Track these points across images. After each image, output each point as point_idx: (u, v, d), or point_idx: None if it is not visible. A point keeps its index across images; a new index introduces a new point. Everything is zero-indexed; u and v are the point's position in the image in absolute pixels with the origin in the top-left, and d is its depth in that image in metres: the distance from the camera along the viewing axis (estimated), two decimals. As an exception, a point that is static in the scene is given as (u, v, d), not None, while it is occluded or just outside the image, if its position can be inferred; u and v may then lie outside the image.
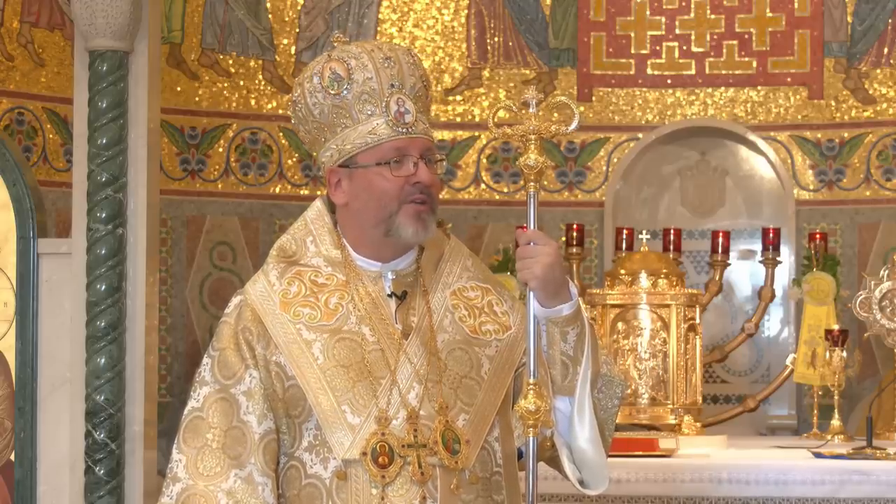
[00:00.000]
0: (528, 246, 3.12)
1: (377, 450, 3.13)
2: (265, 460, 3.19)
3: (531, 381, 3.08)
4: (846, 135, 9.30)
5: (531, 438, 3.10)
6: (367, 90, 3.23)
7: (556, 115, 3.17)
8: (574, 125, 3.15)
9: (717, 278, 7.67)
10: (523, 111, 3.15)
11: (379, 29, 9.43)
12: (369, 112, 3.22)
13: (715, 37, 9.48)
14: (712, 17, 9.49)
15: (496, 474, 3.21)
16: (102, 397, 5.49)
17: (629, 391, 6.77)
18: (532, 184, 3.12)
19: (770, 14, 9.43)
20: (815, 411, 7.36)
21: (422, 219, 3.21)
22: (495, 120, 3.19)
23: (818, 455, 6.31)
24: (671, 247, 7.67)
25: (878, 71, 9.29)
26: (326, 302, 3.24)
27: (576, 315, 3.16)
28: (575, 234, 7.99)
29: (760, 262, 7.92)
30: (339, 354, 3.20)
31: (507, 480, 3.23)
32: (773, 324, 9.25)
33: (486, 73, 9.48)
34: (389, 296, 3.26)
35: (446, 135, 9.37)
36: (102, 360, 5.50)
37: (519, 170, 3.17)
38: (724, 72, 9.46)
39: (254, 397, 3.22)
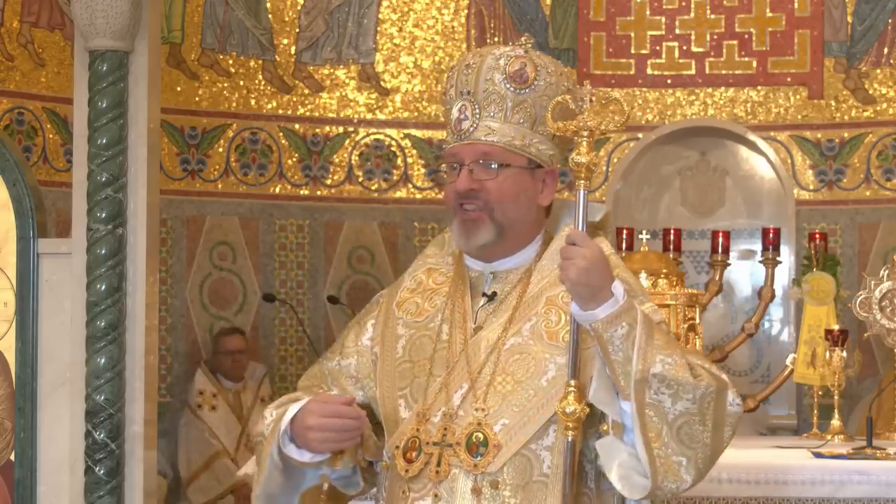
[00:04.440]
0: (569, 246, 3.05)
1: (408, 444, 3.18)
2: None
3: (571, 382, 3.04)
4: (846, 135, 9.30)
5: (568, 440, 3.06)
6: (448, 99, 3.32)
7: (611, 109, 3.13)
8: (619, 122, 3.13)
9: (717, 278, 7.66)
10: (581, 106, 3.12)
11: (379, 29, 9.43)
12: (447, 118, 3.31)
13: (715, 37, 9.48)
14: (712, 17, 9.49)
15: (538, 483, 3.13)
16: (102, 397, 5.48)
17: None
18: (582, 181, 3.08)
19: (770, 14, 9.43)
20: (815, 411, 7.35)
21: (465, 226, 3.23)
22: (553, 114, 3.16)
23: (818, 455, 6.30)
24: (671, 247, 7.66)
25: (878, 71, 9.29)
26: (431, 298, 3.33)
27: (619, 314, 3.04)
28: (575, 234, 7.96)
29: (760, 262, 7.91)
30: (414, 350, 3.28)
31: (556, 490, 3.11)
32: (773, 324, 9.25)
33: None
34: (483, 295, 3.29)
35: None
36: (102, 360, 5.49)
37: (569, 167, 3.12)
38: (724, 72, 9.46)
39: (336, 377, 3.37)
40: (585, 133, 3.09)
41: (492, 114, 3.24)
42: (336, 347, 3.44)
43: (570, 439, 3.05)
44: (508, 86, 3.24)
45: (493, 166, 3.22)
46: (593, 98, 3.13)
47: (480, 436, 3.12)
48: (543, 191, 3.30)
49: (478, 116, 3.24)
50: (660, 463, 3.07)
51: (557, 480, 3.12)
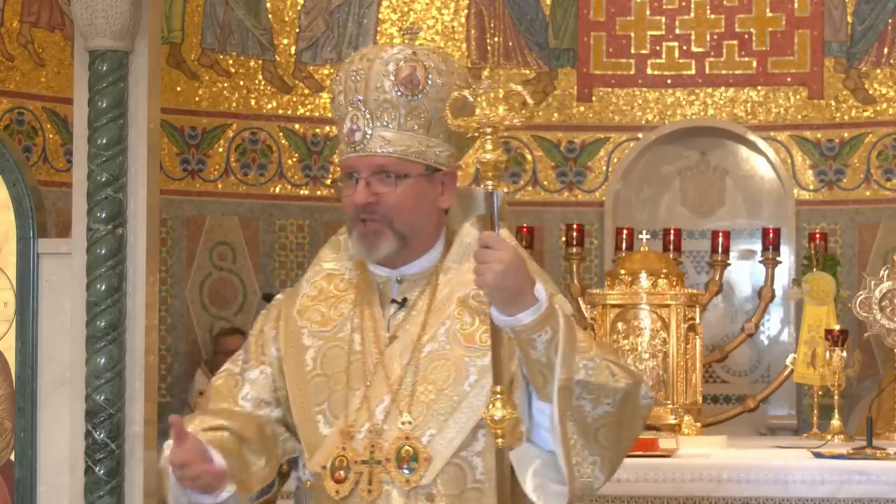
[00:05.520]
0: (483, 250, 2.89)
1: (335, 464, 3.09)
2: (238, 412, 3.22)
3: (497, 388, 2.91)
4: (846, 135, 9.30)
5: (498, 448, 2.95)
6: (337, 105, 3.22)
7: (525, 105, 2.94)
8: (525, 115, 2.93)
9: (717, 278, 7.66)
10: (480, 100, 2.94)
11: (379, 29, 9.43)
12: (340, 127, 3.22)
13: (715, 37, 9.48)
14: (712, 17, 9.49)
15: (473, 490, 3.08)
16: (102, 397, 5.48)
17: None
18: (490, 181, 2.90)
19: (770, 14, 9.43)
20: (815, 411, 7.36)
21: (366, 239, 3.14)
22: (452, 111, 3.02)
23: (818, 455, 6.30)
24: (671, 247, 7.66)
25: (878, 71, 9.29)
26: (336, 306, 3.23)
27: (543, 320, 2.93)
28: (575, 234, 7.98)
29: (760, 262, 7.92)
30: (326, 363, 3.18)
31: (493, 496, 3.04)
32: (773, 324, 9.25)
33: (486, 74, 9.48)
34: (392, 302, 3.21)
35: (446, 135, 9.38)
36: (102, 360, 5.48)
37: (476, 167, 3.04)
38: (724, 72, 9.46)
39: (255, 386, 3.24)
40: (489, 130, 2.90)
41: (385, 123, 3.13)
42: (238, 358, 3.32)
43: (500, 445, 2.94)
44: (399, 93, 3.13)
45: (390, 178, 3.13)
46: (492, 92, 2.93)
47: (410, 449, 3.05)
48: (443, 193, 3.20)
49: (370, 127, 3.13)
50: (577, 470, 3.02)
51: (492, 486, 3.04)
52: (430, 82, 3.15)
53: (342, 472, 3.08)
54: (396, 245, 3.15)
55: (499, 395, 2.91)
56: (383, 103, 3.14)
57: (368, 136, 3.14)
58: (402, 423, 3.07)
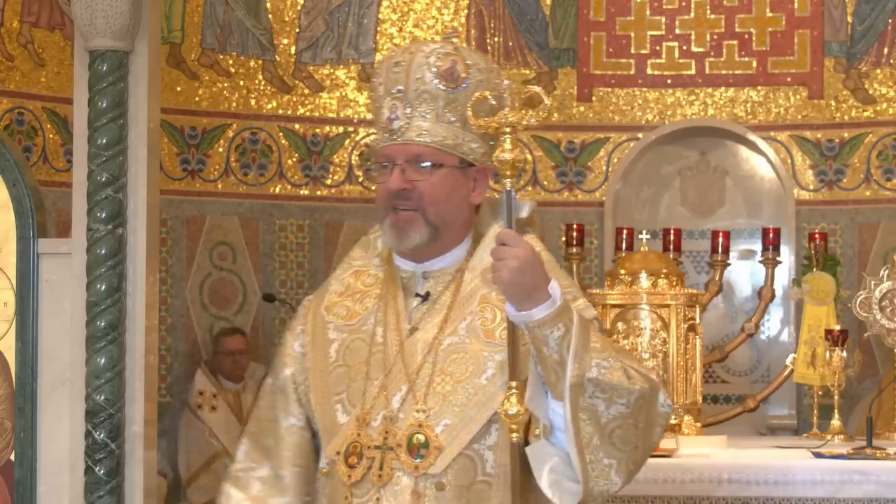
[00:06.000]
0: (500, 247, 2.96)
1: (349, 450, 3.15)
2: (287, 454, 3.32)
3: (512, 384, 2.97)
4: (846, 135, 9.30)
5: (514, 442, 3.00)
6: (376, 96, 3.27)
7: (542, 105, 3.03)
8: (541, 115, 3.02)
9: (717, 278, 7.66)
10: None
11: (379, 29, 9.43)
12: (378, 117, 3.26)
13: (715, 37, 9.48)
14: (712, 17, 9.49)
15: (481, 483, 3.11)
16: (102, 397, 5.48)
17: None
18: (508, 179, 3.01)
19: (770, 14, 9.43)
20: (815, 411, 7.36)
21: (398, 227, 3.19)
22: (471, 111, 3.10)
23: (818, 455, 6.30)
24: (671, 247, 7.66)
25: (878, 71, 9.29)
26: (361, 301, 3.29)
27: (556, 316, 2.96)
28: (575, 234, 7.98)
29: (760, 262, 7.92)
30: (348, 354, 3.24)
31: (501, 490, 3.10)
32: (773, 324, 9.25)
33: (486, 73, 9.47)
34: (416, 295, 3.25)
35: (446, 135, 9.37)
36: (102, 360, 5.49)
37: (494, 165, 3.04)
38: (724, 72, 9.46)
39: (282, 393, 3.35)
40: (508, 129, 2.98)
41: (423, 113, 3.19)
42: (273, 367, 3.42)
43: (515, 440, 2.99)
44: (440, 84, 3.18)
45: (425, 166, 3.17)
46: (513, 93, 3.04)
47: (421, 437, 3.09)
48: (475, 189, 3.26)
49: (409, 116, 3.18)
50: (591, 468, 3.03)
51: (501, 480, 3.10)
52: (469, 77, 3.21)
53: (355, 458, 3.13)
54: (427, 235, 3.20)
55: (514, 391, 2.97)
56: (422, 94, 3.19)
57: (407, 125, 3.19)
58: (417, 412, 3.12)
